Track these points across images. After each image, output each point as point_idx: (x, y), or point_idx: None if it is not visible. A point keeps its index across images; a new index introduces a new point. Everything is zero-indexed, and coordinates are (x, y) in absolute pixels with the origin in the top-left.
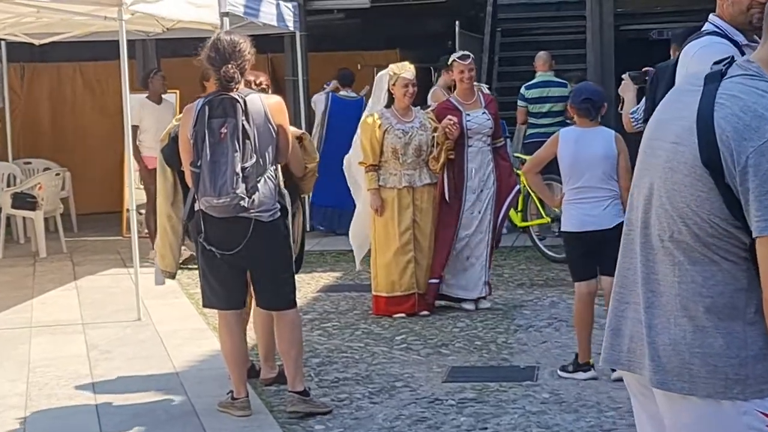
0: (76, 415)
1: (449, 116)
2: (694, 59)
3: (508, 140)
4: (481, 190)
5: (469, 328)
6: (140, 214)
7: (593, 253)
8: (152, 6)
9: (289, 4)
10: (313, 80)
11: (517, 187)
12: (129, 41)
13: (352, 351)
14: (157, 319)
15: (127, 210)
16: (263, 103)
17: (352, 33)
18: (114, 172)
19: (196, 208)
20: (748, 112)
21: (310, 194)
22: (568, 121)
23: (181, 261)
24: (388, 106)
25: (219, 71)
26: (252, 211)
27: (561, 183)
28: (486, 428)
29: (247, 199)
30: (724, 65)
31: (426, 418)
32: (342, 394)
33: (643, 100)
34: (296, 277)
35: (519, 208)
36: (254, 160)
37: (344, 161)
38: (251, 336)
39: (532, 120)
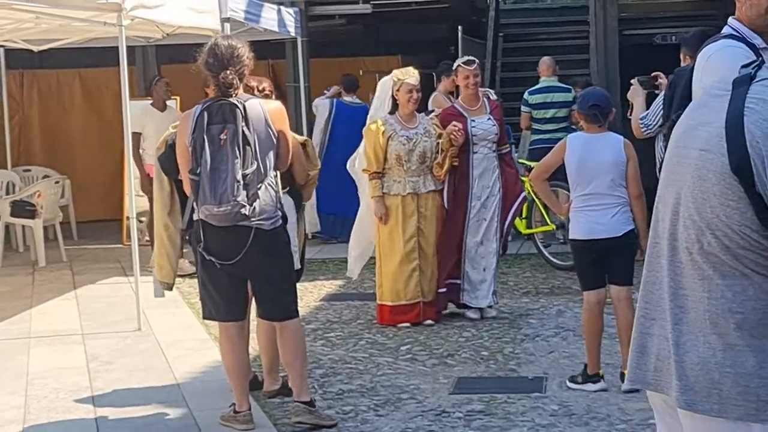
0: (76, 430)
1: (454, 122)
2: (709, 63)
3: (513, 146)
4: (486, 197)
5: (475, 337)
6: (140, 221)
7: (602, 262)
8: (152, 11)
9: (291, 10)
10: (315, 86)
11: (523, 194)
12: (129, 47)
13: (357, 362)
14: (158, 329)
15: (128, 218)
16: (263, 109)
17: (354, 39)
18: (114, 180)
19: (195, 217)
20: None
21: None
22: (573, 127)
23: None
24: (392, 112)
25: (217, 77)
26: (253, 219)
27: (567, 189)
28: None
29: (248, 207)
30: (752, 68)
31: (433, 431)
32: (347, 407)
33: (653, 105)
34: (298, 285)
35: (523, 215)
36: (255, 166)
37: (348, 162)
38: (253, 346)
39: (535, 126)
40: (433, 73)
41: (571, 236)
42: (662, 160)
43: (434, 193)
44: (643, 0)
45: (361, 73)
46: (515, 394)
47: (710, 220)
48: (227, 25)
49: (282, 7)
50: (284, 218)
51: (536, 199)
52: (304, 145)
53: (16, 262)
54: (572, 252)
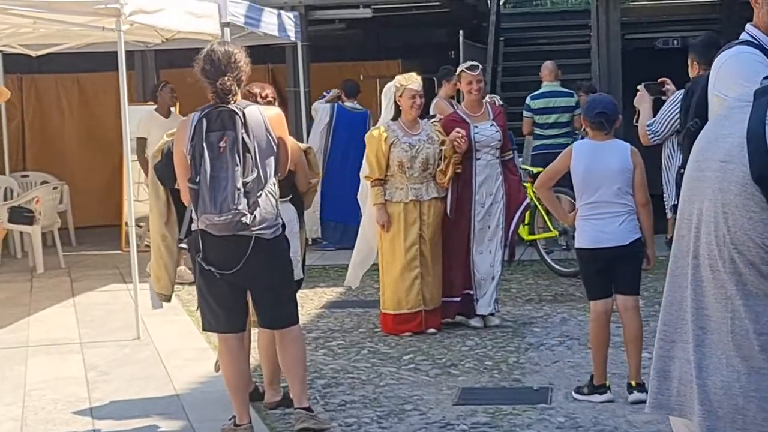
0: None
1: (457, 129)
2: (722, 69)
3: (516, 152)
4: (490, 204)
5: (479, 346)
6: (139, 227)
7: (608, 271)
8: (151, 16)
9: (291, 14)
10: (315, 91)
11: (527, 200)
12: (128, 52)
13: (359, 371)
14: (157, 338)
15: (126, 224)
16: (262, 115)
17: (354, 43)
18: (113, 185)
19: (194, 227)
20: None
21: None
22: (576, 133)
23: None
24: (395, 118)
25: (215, 84)
26: (254, 228)
27: (569, 195)
28: None
29: (249, 215)
30: None
31: None
32: (350, 419)
33: (660, 112)
34: (299, 292)
35: (526, 221)
36: (255, 174)
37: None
38: (254, 357)
39: (538, 131)
40: (434, 78)
41: (576, 245)
42: (668, 167)
43: (437, 201)
44: (645, 4)
45: (361, 77)
46: (521, 405)
47: (734, 234)
48: (227, 30)
49: (282, 12)
50: (283, 225)
51: (539, 205)
52: (306, 152)
53: (15, 269)
54: (578, 261)
